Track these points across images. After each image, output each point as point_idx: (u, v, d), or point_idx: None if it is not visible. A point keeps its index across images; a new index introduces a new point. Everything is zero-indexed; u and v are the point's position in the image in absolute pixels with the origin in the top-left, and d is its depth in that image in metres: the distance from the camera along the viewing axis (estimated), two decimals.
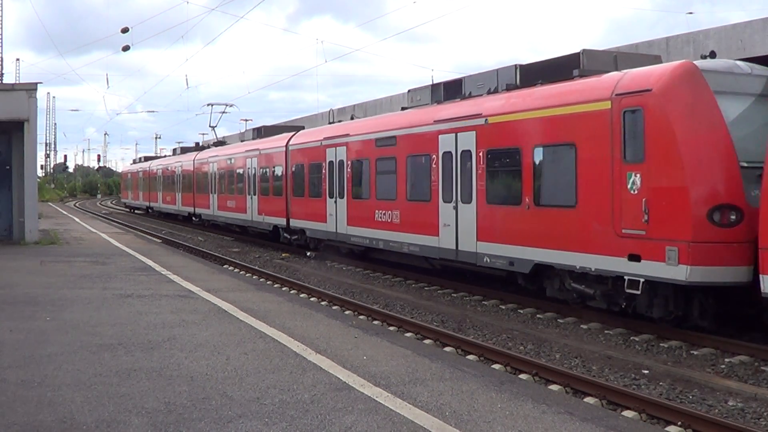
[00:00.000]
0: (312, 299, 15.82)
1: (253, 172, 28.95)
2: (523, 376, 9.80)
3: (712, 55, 12.35)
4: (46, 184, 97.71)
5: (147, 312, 11.54)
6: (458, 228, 15.65)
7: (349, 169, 20.82)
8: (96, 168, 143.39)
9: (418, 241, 17.18)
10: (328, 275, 19.97)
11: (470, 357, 10.85)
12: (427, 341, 11.92)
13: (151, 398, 6.95)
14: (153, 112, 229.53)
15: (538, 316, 13.89)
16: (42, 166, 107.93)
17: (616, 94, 11.70)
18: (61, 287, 14.29)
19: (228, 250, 27.20)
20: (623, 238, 11.50)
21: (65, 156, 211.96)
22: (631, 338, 11.86)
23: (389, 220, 18.51)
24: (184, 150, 48.11)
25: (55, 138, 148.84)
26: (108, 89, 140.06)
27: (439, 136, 16.31)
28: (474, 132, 15.09)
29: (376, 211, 19.14)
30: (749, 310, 11.35)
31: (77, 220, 42.66)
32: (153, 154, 76.75)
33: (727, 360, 10.47)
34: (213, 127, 44.55)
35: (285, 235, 25.86)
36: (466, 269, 16.28)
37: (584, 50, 13.44)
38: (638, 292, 11.29)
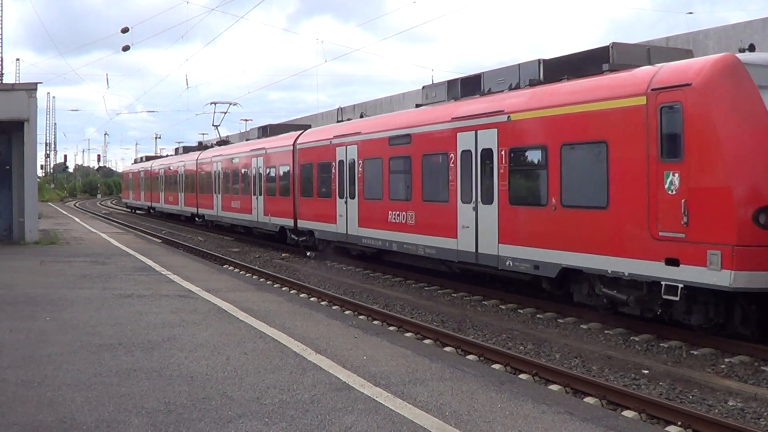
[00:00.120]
0: (312, 299, 15.82)
1: (259, 171, 28.32)
2: (523, 376, 9.80)
3: (751, 48, 11.63)
4: (46, 184, 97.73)
5: (147, 312, 11.54)
6: (478, 230, 14.98)
7: (360, 169, 20.11)
8: (96, 168, 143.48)
9: (435, 244, 16.56)
10: (328, 275, 19.97)
11: (470, 357, 10.85)
12: (427, 341, 11.92)
13: (151, 398, 6.95)
14: (153, 112, 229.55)
15: (538, 316, 13.89)
16: (42, 166, 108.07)
17: (652, 89, 11.07)
18: (61, 287, 14.29)
19: (228, 250, 27.20)
20: (660, 241, 10.88)
21: (65, 156, 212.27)
22: (631, 338, 11.86)
23: (403, 222, 17.84)
24: (187, 149, 47.26)
25: (55, 138, 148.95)
26: (108, 89, 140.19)
27: (458, 134, 15.64)
28: (495, 129, 14.43)
29: (390, 212, 18.47)
30: None
31: (77, 220, 42.66)
32: (154, 154, 76.30)
33: (727, 360, 10.46)
34: (216, 126, 43.82)
35: (292, 236, 25.16)
36: (487, 273, 15.60)
37: (614, 43, 12.84)
38: (676, 299, 10.72)
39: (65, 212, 54.57)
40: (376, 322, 13.35)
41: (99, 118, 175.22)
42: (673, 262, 10.75)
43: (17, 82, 50.07)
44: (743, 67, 10.54)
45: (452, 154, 15.83)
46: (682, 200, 10.57)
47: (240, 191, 30.61)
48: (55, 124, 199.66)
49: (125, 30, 32.43)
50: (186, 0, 35.22)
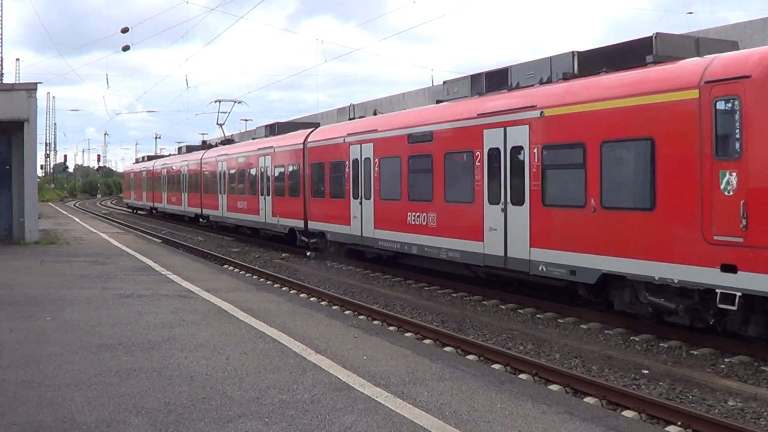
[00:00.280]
0: (312, 299, 15.82)
1: (267, 171, 27.42)
2: (523, 376, 9.80)
3: None
4: (46, 184, 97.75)
5: (147, 312, 11.54)
6: (507, 233, 14.14)
7: (376, 168, 19.20)
8: (96, 168, 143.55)
9: (459, 247, 15.69)
10: (328, 275, 19.96)
11: (470, 357, 10.85)
12: (426, 341, 11.92)
13: (151, 398, 6.95)
14: (153, 112, 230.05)
15: (538, 316, 13.88)
16: (42, 166, 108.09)
17: (706, 82, 10.30)
18: (60, 287, 14.29)
19: (228, 250, 27.19)
20: (715, 245, 10.12)
21: (65, 156, 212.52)
22: (631, 338, 11.85)
23: (424, 224, 16.97)
24: (190, 148, 46.27)
25: (55, 138, 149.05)
26: (108, 89, 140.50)
27: (484, 131, 14.81)
28: (527, 126, 13.62)
29: (409, 213, 17.57)
30: None
31: (77, 220, 42.66)
32: (156, 153, 75.57)
33: (727, 360, 10.46)
34: (221, 125, 42.91)
35: (302, 238, 24.25)
36: (516, 278, 14.86)
37: (658, 34, 12.07)
38: (734, 308, 9.95)
39: (65, 212, 54.56)
40: (376, 322, 13.35)
41: (99, 118, 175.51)
42: (730, 268, 10.00)
43: (17, 82, 50.12)
44: None
45: (478, 152, 15.03)
46: (741, 201, 9.82)
47: (246, 191, 29.80)
48: (55, 124, 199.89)
49: (125, 30, 32.50)
50: (186, 0, 35.22)
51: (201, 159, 37.80)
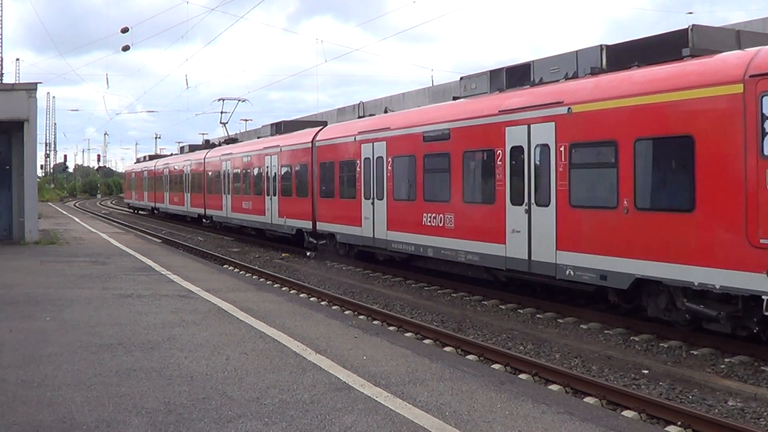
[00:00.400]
0: (312, 299, 15.82)
1: (274, 170, 26.79)
2: (522, 376, 9.80)
3: None
4: (46, 184, 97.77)
5: (147, 312, 11.54)
6: (531, 235, 13.55)
7: (389, 167, 18.57)
8: (96, 168, 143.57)
9: (479, 249, 15.05)
10: (328, 275, 19.96)
11: (470, 357, 10.85)
12: (426, 341, 11.92)
13: (151, 398, 6.95)
14: (153, 112, 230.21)
15: (537, 316, 13.88)
16: (42, 166, 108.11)
17: (751, 76, 9.75)
18: (60, 287, 14.29)
19: (228, 250, 27.19)
20: (761, 249, 9.61)
21: (65, 156, 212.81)
22: (631, 338, 11.85)
23: (441, 225, 16.34)
24: (193, 148, 45.79)
25: (55, 138, 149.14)
26: (108, 89, 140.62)
27: (506, 129, 14.17)
28: (553, 123, 12.99)
29: (424, 214, 16.95)
30: None
31: (77, 220, 42.66)
32: (156, 153, 74.83)
33: (726, 360, 10.46)
34: (224, 124, 42.08)
35: (311, 239, 23.67)
36: (541, 283, 14.28)
37: (694, 26, 11.55)
38: None
39: (65, 212, 54.56)
40: (376, 322, 13.35)
41: (99, 118, 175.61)
42: None
43: (17, 82, 50.13)
44: None
45: (499, 151, 14.39)
46: None
47: (252, 191, 29.20)
48: (55, 124, 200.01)
49: (125, 30, 32.51)
50: (186, 0, 35.24)
51: (204, 158, 37.22)
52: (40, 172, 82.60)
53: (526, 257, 13.67)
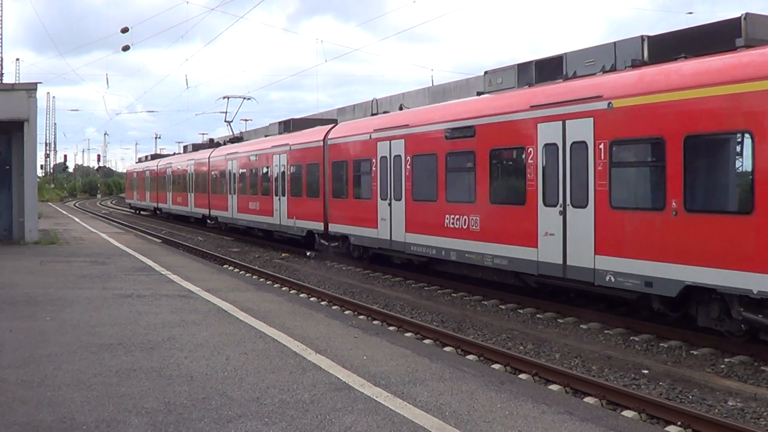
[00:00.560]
0: (312, 299, 15.82)
1: (282, 170, 25.99)
2: (522, 376, 9.80)
3: None
4: (46, 184, 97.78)
5: (147, 312, 11.54)
6: (566, 238, 12.78)
7: (408, 166, 17.76)
8: (96, 168, 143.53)
9: (507, 253, 14.30)
10: (328, 275, 19.96)
11: (470, 357, 10.85)
12: (426, 341, 11.92)
13: (151, 398, 6.95)
14: (153, 112, 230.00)
15: (537, 316, 13.88)
16: (42, 166, 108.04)
17: None
18: (60, 287, 14.29)
19: (228, 250, 27.19)
20: None
21: (65, 156, 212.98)
22: (631, 338, 11.85)
23: (465, 227, 15.55)
24: (197, 147, 45.07)
25: (55, 138, 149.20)
26: (108, 89, 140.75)
27: (538, 125, 13.42)
28: (591, 119, 12.24)
29: (447, 215, 16.16)
30: None
31: (77, 220, 42.66)
32: (157, 153, 74.38)
33: (726, 360, 10.46)
34: (229, 122, 41.01)
35: (322, 241, 22.91)
36: (578, 289, 13.44)
37: (748, 15, 10.90)
38: None
39: (65, 212, 54.56)
40: (375, 322, 13.35)
41: (99, 118, 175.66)
42: None
43: (17, 82, 50.15)
44: None
45: (531, 149, 13.61)
46: None
47: (259, 191, 28.42)
48: (55, 124, 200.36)
49: (125, 30, 32.52)
50: (186, 0, 35.25)
51: (209, 157, 36.37)
52: (40, 172, 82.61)
53: (561, 262, 12.92)
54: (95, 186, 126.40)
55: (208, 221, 36.44)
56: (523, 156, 13.86)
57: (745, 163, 10.02)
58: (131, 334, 9.80)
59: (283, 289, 17.32)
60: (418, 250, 17.49)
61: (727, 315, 10.59)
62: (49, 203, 72.05)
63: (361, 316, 13.86)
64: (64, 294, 13.38)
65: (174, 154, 53.96)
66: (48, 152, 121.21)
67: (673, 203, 10.86)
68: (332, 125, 23.95)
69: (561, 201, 12.96)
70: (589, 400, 8.71)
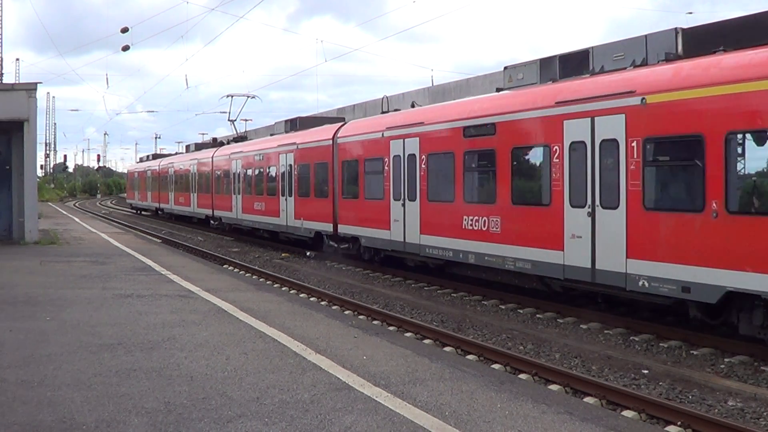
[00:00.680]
0: (312, 299, 15.82)
1: (289, 169, 25.35)
2: (522, 376, 9.81)
3: None
4: (46, 184, 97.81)
5: (147, 312, 11.54)
6: (595, 241, 12.19)
7: (423, 165, 17.18)
8: (96, 168, 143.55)
9: (530, 256, 13.71)
10: (327, 275, 19.96)
11: (470, 357, 10.85)
12: (426, 341, 11.92)
13: (151, 398, 6.95)
14: (153, 112, 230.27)
15: (537, 316, 13.88)
16: (42, 166, 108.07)
17: None
18: (60, 287, 14.29)
19: (228, 250, 27.19)
20: None
21: (65, 156, 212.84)
22: (631, 338, 11.85)
23: (484, 229, 14.96)
24: (200, 146, 44.37)
25: (55, 138, 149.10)
26: (108, 89, 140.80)
27: (565, 122, 12.85)
28: (623, 115, 11.67)
29: (465, 216, 15.56)
30: None
31: (77, 220, 42.65)
32: (159, 153, 73.79)
33: (726, 360, 10.47)
34: (232, 121, 40.15)
35: (331, 243, 22.28)
36: (607, 294, 12.91)
37: None
38: None
39: (65, 212, 54.55)
40: (375, 322, 13.35)
41: (99, 118, 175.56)
42: None
43: (17, 82, 50.14)
44: None
45: (556, 147, 13.04)
46: None
47: (265, 191, 27.82)
48: (55, 124, 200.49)
49: (125, 30, 32.54)
50: (186, 0, 35.27)
51: (212, 157, 35.72)
52: (40, 172, 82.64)
53: (589, 266, 12.32)
54: (95, 186, 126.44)
55: (212, 222, 35.91)
56: (548, 154, 13.27)
57: None
58: (131, 334, 9.80)
59: (283, 289, 17.32)
60: (434, 253, 16.93)
61: None
62: (49, 203, 72.05)
63: (361, 316, 13.87)
64: (64, 294, 13.38)
65: (176, 153, 53.34)
66: (48, 152, 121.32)
67: (714, 204, 10.28)
68: (341, 123, 23.45)
69: (589, 202, 12.40)
70: (589, 400, 8.71)
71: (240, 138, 38.52)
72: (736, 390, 9.14)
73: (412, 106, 20.70)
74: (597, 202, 12.25)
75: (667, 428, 7.86)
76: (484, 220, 15.02)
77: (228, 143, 38.08)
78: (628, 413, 8.22)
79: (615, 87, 12.06)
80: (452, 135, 16.19)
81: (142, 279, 15.69)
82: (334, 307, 14.72)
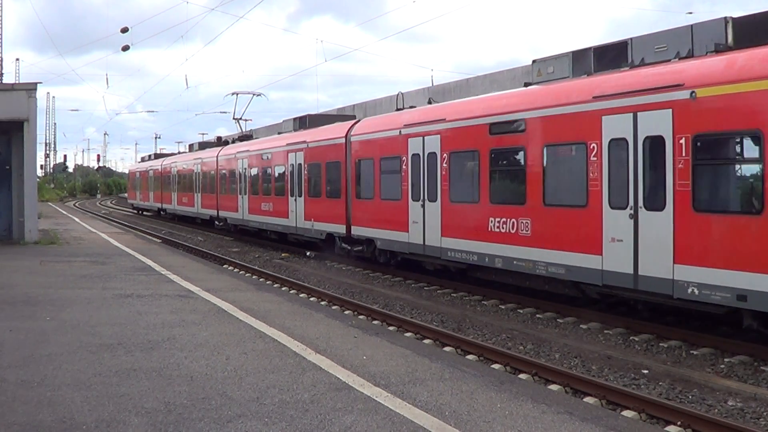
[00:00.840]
0: (312, 299, 15.83)
1: (299, 168, 24.55)
2: (522, 376, 9.81)
3: None
4: (46, 184, 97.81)
5: (147, 312, 11.54)
6: (638, 244, 11.46)
7: (444, 164, 16.37)
8: (96, 168, 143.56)
9: (564, 261, 12.96)
10: (327, 275, 19.96)
11: (470, 357, 10.85)
12: (426, 341, 11.92)
13: (151, 398, 6.95)
14: (153, 112, 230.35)
15: (537, 316, 13.88)
16: (42, 166, 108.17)
17: None
18: (60, 287, 14.29)
19: (228, 250, 27.19)
20: None
21: (65, 156, 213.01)
22: (631, 338, 11.86)
23: (513, 231, 14.17)
24: (204, 145, 43.60)
25: (54, 138, 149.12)
26: (108, 89, 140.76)
27: (603, 118, 12.11)
28: (669, 110, 10.93)
29: (491, 218, 14.79)
30: None
31: (77, 219, 42.66)
32: (159, 152, 73.25)
33: (726, 360, 10.47)
34: (237, 120, 39.66)
35: (343, 245, 21.49)
36: (650, 301, 12.09)
37: None
38: None
39: (65, 212, 54.55)
40: (375, 322, 13.36)
41: (99, 118, 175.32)
42: None
43: (17, 82, 50.14)
44: None
45: (594, 144, 12.31)
46: None
47: (273, 192, 27.02)
48: (55, 124, 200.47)
49: (125, 30, 32.54)
50: (186, 0, 35.29)
51: (217, 156, 34.86)
52: (40, 172, 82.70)
53: (632, 271, 11.59)
54: (95, 186, 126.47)
55: (216, 222, 35.10)
56: (585, 152, 12.52)
57: None
58: (131, 334, 9.80)
59: (283, 289, 17.32)
60: (457, 256, 16.04)
61: None
62: (49, 203, 72.03)
63: (361, 316, 13.87)
64: (64, 294, 13.38)
65: (179, 152, 52.79)
66: (48, 152, 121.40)
67: None
68: (354, 121, 22.59)
69: (631, 203, 11.64)
70: (589, 400, 8.71)
71: (245, 137, 37.54)
72: (736, 390, 9.14)
73: (429, 102, 20.00)
74: (640, 203, 11.52)
75: (667, 428, 7.86)
76: (513, 223, 14.24)
77: (233, 142, 37.30)
78: (628, 413, 8.22)
79: (660, 80, 11.30)
80: (477, 132, 15.38)
81: (142, 279, 15.69)
82: (334, 307, 14.72)
